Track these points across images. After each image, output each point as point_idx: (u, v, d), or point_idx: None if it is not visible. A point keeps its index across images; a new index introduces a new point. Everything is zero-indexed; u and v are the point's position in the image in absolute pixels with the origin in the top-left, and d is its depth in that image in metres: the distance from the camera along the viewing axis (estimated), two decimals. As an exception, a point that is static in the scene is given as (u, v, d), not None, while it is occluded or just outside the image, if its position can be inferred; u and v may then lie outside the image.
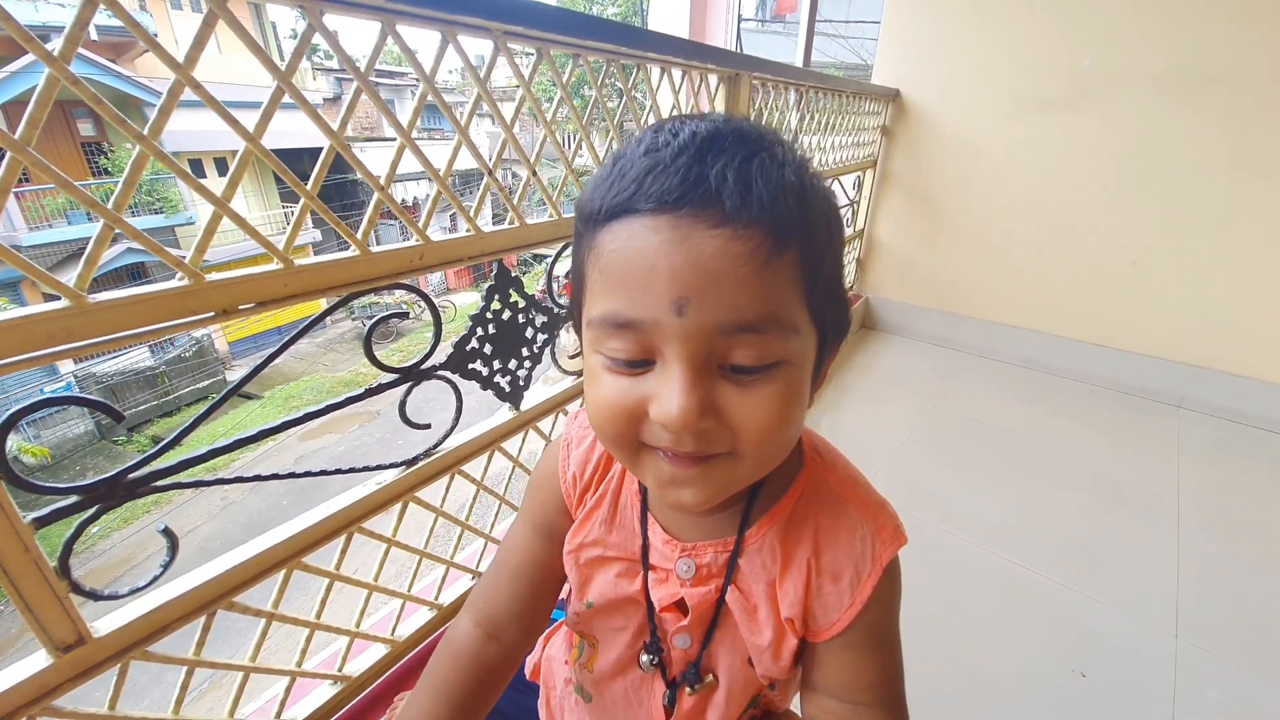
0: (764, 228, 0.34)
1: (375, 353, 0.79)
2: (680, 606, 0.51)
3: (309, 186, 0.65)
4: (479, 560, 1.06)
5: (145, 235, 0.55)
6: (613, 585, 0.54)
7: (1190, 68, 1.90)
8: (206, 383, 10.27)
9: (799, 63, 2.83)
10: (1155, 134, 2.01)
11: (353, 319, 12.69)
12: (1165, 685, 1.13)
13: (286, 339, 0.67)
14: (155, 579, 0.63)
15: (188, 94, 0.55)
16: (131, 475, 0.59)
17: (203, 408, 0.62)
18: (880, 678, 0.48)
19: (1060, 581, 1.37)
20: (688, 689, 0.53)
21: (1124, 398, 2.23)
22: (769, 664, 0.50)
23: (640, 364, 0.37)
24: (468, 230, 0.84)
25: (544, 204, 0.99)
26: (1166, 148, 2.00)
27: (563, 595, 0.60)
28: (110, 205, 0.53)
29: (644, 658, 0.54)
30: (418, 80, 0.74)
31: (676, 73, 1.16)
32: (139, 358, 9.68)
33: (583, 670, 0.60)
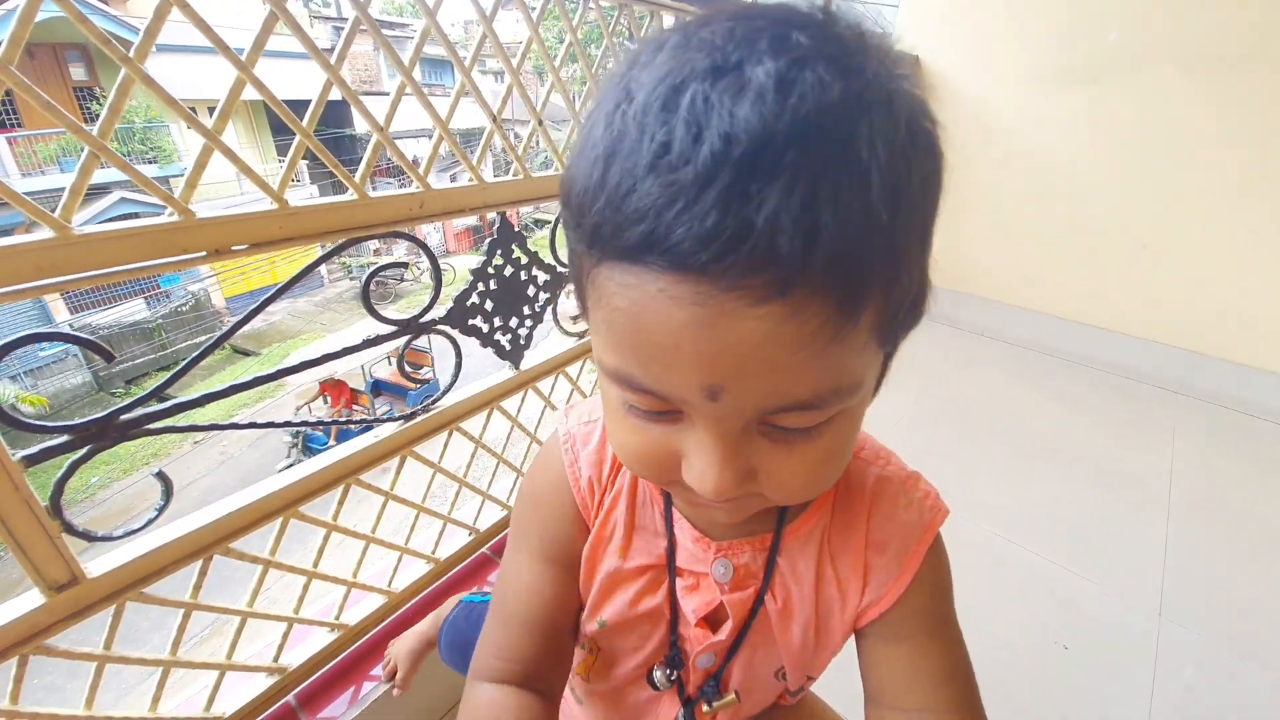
0: (834, 295, 0.24)
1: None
2: (711, 620, 0.45)
3: (305, 125, 0.62)
4: (475, 518, 1.07)
5: (131, 165, 0.53)
6: (631, 603, 0.46)
7: (1218, 48, 1.84)
8: (203, 337, 10.22)
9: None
10: (1177, 114, 1.95)
11: (350, 278, 12.58)
12: (1146, 662, 1.16)
13: (290, 279, 0.65)
14: (150, 522, 0.63)
15: (179, 39, 0.52)
16: (124, 416, 0.58)
17: (203, 374, 0.60)
18: (943, 675, 0.41)
19: (1049, 558, 1.39)
20: (705, 706, 0.47)
21: (1125, 382, 2.23)
22: (801, 675, 0.46)
23: (666, 413, 0.30)
24: (471, 180, 0.81)
25: (545, 165, 0.96)
26: (1187, 129, 1.94)
27: None
28: (95, 132, 0.50)
29: (658, 674, 0.47)
30: (415, 33, 0.70)
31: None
32: (135, 310, 9.61)
33: (574, 675, 0.53)
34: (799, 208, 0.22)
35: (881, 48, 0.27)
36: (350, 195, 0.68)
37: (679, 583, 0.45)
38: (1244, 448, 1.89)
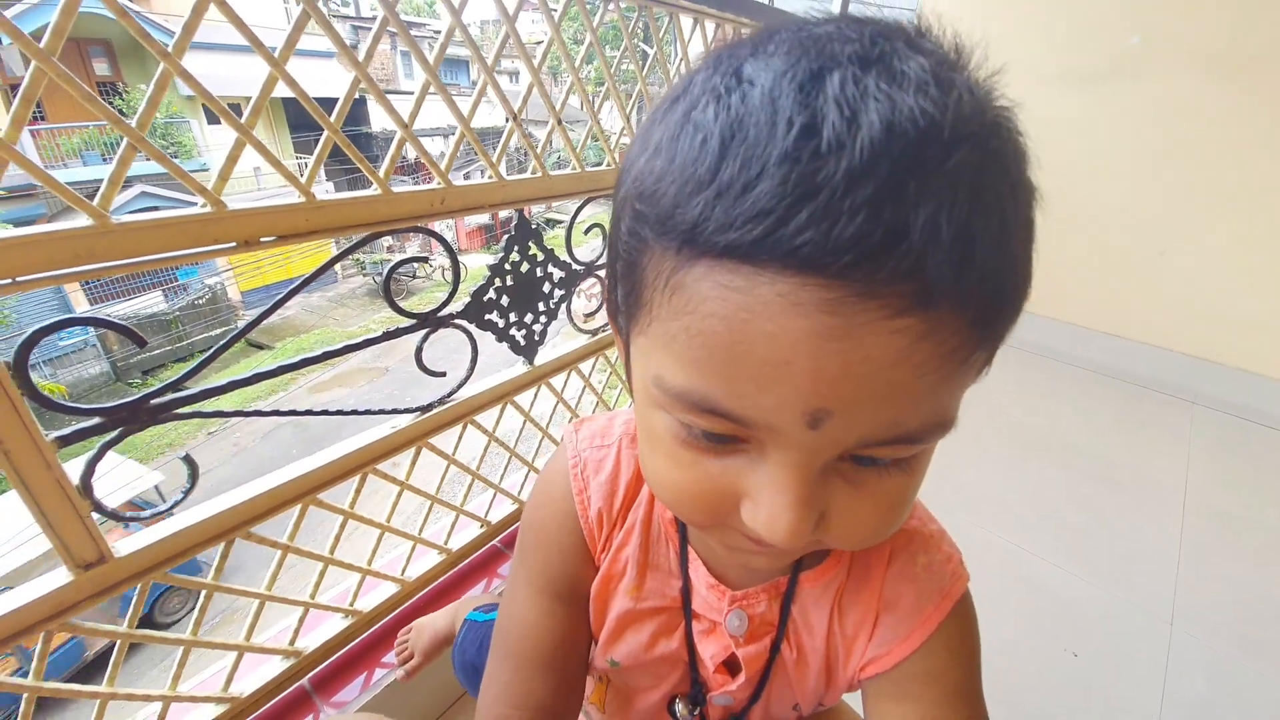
0: (972, 314, 0.22)
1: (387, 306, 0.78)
2: (729, 666, 0.43)
3: (333, 120, 0.64)
4: (487, 510, 1.08)
5: (168, 158, 0.54)
6: (645, 646, 0.44)
7: (1239, 50, 1.81)
8: (219, 330, 10.37)
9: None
10: (1197, 118, 1.92)
11: (364, 274, 12.70)
12: (1156, 669, 1.15)
13: (313, 272, 0.67)
14: (176, 504, 0.64)
15: (200, 36, 0.54)
16: (154, 401, 0.60)
17: (218, 368, 0.61)
18: None
19: (1059, 565, 1.38)
20: None
21: (1138, 389, 2.20)
22: (814, 707, 0.45)
23: (728, 439, 0.26)
24: (490, 177, 0.83)
25: (559, 165, 0.97)
26: (1207, 133, 1.92)
27: None
28: (134, 125, 0.52)
29: (679, 707, 0.46)
30: (437, 32, 0.71)
31: (709, 27, 1.11)
32: (152, 302, 9.77)
33: (589, 703, 0.52)
34: (963, 214, 0.20)
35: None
36: (374, 190, 0.69)
37: (695, 626, 0.43)
38: (1260, 456, 1.86)
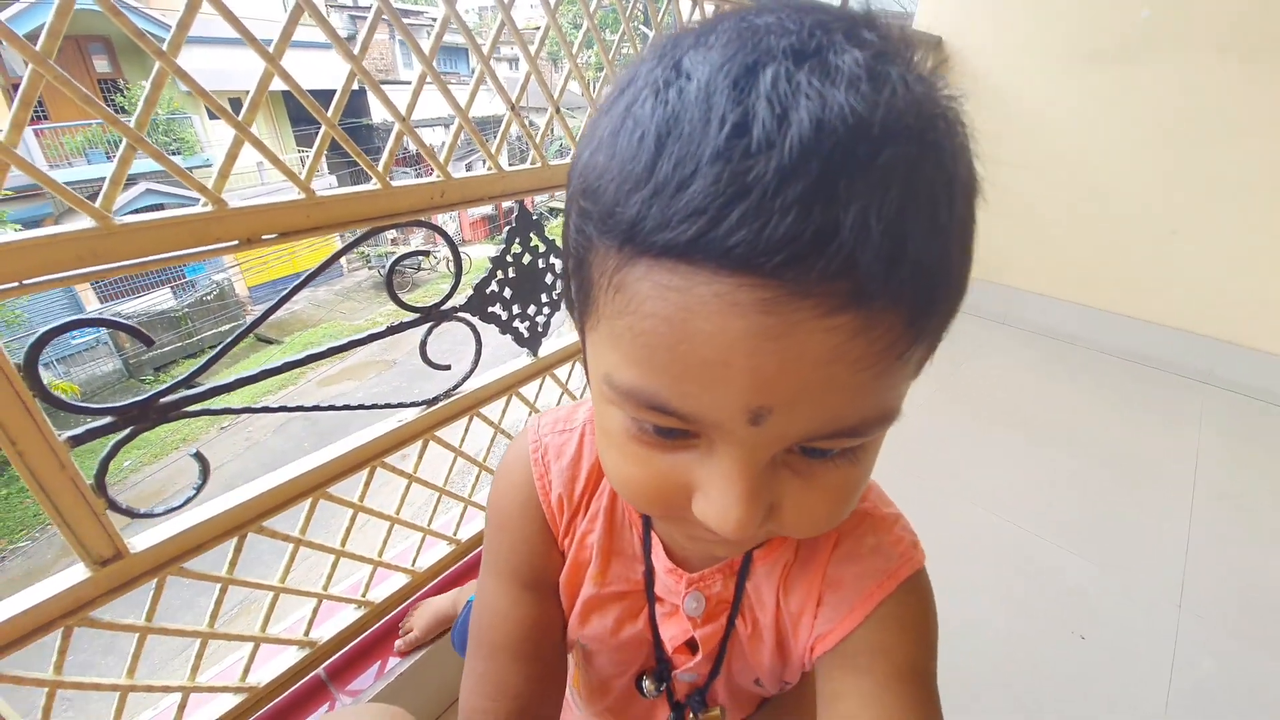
0: (908, 309, 0.22)
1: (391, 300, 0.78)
2: (690, 645, 0.44)
3: (330, 115, 0.64)
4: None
5: (168, 157, 0.54)
6: (611, 630, 0.45)
7: (1254, 27, 1.76)
8: (227, 326, 10.45)
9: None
10: (1210, 96, 1.88)
11: (369, 268, 12.73)
12: (1164, 652, 1.15)
13: (318, 266, 0.67)
14: (189, 500, 0.65)
15: (197, 30, 0.53)
16: (164, 399, 0.60)
17: (227, 364, 0.62)
18: None
19: (1067, 548, 1.38)
20: (692, 715, 0.48)
21: (1149, 371, 2.18)
22: (776, 684, 0.47)
23: (677, 434, 0.27)
24: (490, 168, 0.82)
25: (561, 153, 0.96)
26: (1220, 111, 1.88)
27: None
28: (133, 124, 0.52)
29: (646, 683, 0.47)
30: (434, 20, 0.71)
31: (708, 8, 1.10)
32: (162, 299, 9.85)
33: (571, 686, 0.53)
34: (893, 211, 0.20)
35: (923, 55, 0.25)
36: (373, 185, 0.69)
37: (658, 609, 0.44)
38: (1272, 439, 1.84)
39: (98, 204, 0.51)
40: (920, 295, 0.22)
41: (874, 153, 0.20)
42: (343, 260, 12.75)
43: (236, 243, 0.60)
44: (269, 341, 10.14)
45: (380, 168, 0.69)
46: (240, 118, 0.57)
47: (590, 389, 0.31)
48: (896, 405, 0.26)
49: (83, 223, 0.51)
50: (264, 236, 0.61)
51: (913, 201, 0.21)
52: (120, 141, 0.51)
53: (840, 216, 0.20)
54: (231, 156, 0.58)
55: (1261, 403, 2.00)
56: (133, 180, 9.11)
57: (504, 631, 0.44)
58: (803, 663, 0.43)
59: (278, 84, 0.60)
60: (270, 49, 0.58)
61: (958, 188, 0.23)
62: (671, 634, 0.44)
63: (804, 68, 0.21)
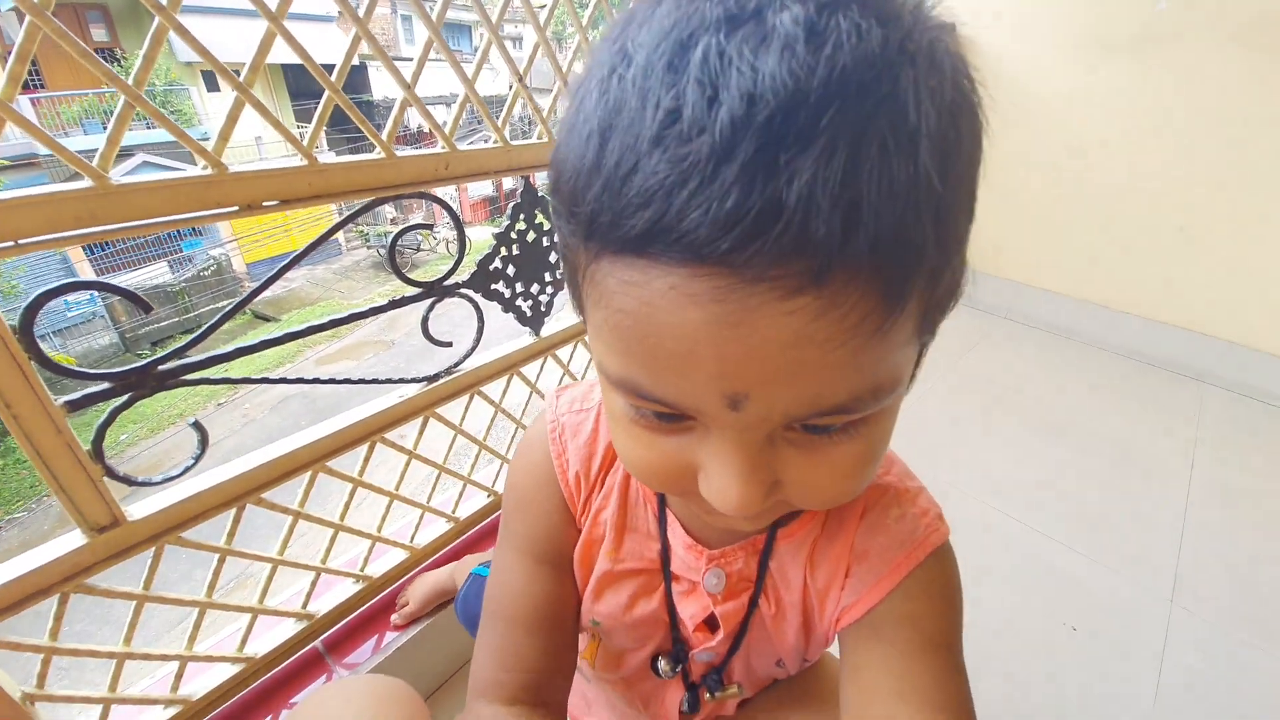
0: (878, 282, 0.21)
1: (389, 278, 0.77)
2: (710, 624, 0.44)
3: (333, 80, 0.62)
4: (495, 480, 1.09)
5: (165, 116, 0.53)
6: (625, 606, 0.45)
7: (1269, 19, 1.73)
8: (225, 302, 10.40)
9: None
10: (1225, 91, 1.85)
11: (368, 247, 12.65)
12: (1154, 645, 1.16)
13: (318, 237, 0.66)
14: (187, 469, 0.65)
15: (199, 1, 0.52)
16: (161, 367, 0.60)
17: (225, 340, 0.61)
18: (942, 697, 0.34)
19: (1060, 540, 1.39)
20: (708, 694, 0.48)
21: (1149, 368, 2.18)
22: (798, 663, 0.47)
23: (675, 418, 0.27)
24: (495, 142, 0.81)
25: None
26: (1235, 107, 1.85)
27: None
28: (131, 82, 0.50)
29: (662, 663, 0.47)
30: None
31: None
32: (158, 273, 9.79)
33: (582, 659, 0.52)
34: (839, 179, 0.18)
35: None
36: (377, 154, 0.68)
37: (675, 587, 0.44)
38: (1269, 439, 1.85)
39: (94, 163, 0.50)
40: (889, 264, 0.20)
41: (814, 118, 0.18)
42: (342, 239, 12.68)
43: (236, 208, 0.58)
44: (266, 319, 10.10)
45: (384, 137, 0.68)
46: (241, 79, 0.56)
47: (601, 387, 0.32)
48: (894, 375, 0.25)
49: (81, 183, 0.50)
50: (264, 203, 0.60)
51: (864, 162, 0.19)
52: (117, 108, 0.50)
53: (783, 192, 0.18)
54: (231, 119, 0.57)
55: (1261, 403, 2.01)
56: (130, 152, 9.00)
57: (520, 605, 0.44)
58: (827, 637, 0.43)
59: (277, 58, 0.58)
60: (273, 8, 0.56)
61: (922, 139, 0.20)
62: (690, 611, 0.44)
63: (736, 36, 0.19)
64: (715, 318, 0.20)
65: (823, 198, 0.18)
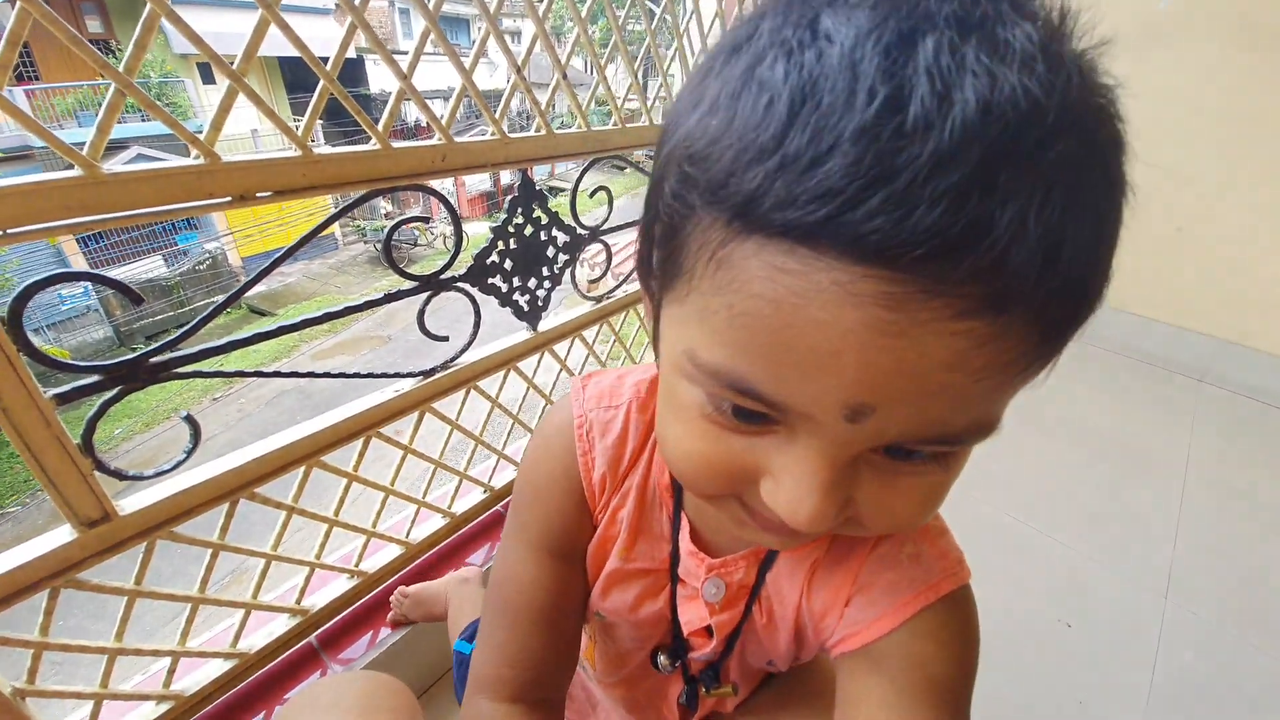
0: (1045, 323, 0.20)
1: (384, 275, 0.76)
2: (706, 630, 0.44)
3: (328, 70, 0.61)
4: (490, 476, 1.08)
5: (158, 105, 0.52)
6: (631, 605, 0.45)
7: (1272, 18, 1.73)
8: (220, 296, 10.35)
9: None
10: (1225, 90, 1.85)
11: (364, 241, 12.60)
12: (1149, 641, 1.16)
13: (316, 227, 0.65)
14: (179, 463, 0.64)
15: None
16: (153, 359, 0.59)
17: (220, 335, 0.60)
18: None
19: (1055, 536, 1.39)
20: (704, 689, 0.48)
21: (1145, 367, 2.19)
22: (790, 664, 0.47)
23: (758, 418, 0.25)
24: (493, 134, 0.80)
25: (563, 126, 0.93)
26: (1235, 106, 1.85)
27: None
28: (122, 69, 0.49)
29: (661, 658, 0.48)
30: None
31: (721, -22, 1.06)
32: (153, 266, 9.72)
33: (583, 657, 0.53)
34: (1056, 215, 0.18)
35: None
36: (373, 145, 0.67)
37: (680, 591, 0.44)
38: (1266, 438, 1.86)
39: (85, 152, 0.49)
40: (1063, 309, 0.20)
41: (1043, 145, 0.18)
42: (338, 233, 12.62)
43: (229, 199, 0.57)
44: (262, 313, 10.05)
45: (380, 128, 0.67)
46: (234, 68, 0.55)
47: (661, 361, 0.29)
48: (1000, 417, 0.24)
49: (70, 173, 0.49)
50: (258, 194, 0.59)
51: (1075, 205, 0.18)
52: (107, 95, 0.49)
53: (997, 213, 0.17)
54: (225, 108, 0.56)
55: (1258, 403, 2.01)
56: (124, 144, 8.92)
57: (529, 598, 0.43)
58: (821, 649, 0.42)
59: (273, 50, 0.57)
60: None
61: (1117, 193, 0.21)
62: (689, 618, 0.44)
63: (970, 40, 0.18)
64: (874, 323, 0.19)
65: (1034, 228, 0.18)
